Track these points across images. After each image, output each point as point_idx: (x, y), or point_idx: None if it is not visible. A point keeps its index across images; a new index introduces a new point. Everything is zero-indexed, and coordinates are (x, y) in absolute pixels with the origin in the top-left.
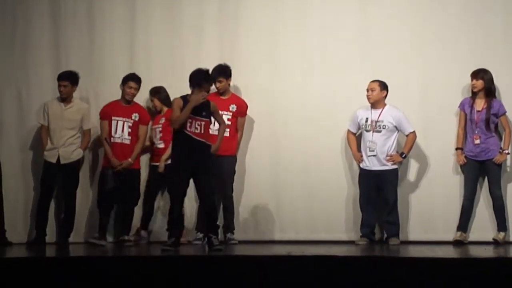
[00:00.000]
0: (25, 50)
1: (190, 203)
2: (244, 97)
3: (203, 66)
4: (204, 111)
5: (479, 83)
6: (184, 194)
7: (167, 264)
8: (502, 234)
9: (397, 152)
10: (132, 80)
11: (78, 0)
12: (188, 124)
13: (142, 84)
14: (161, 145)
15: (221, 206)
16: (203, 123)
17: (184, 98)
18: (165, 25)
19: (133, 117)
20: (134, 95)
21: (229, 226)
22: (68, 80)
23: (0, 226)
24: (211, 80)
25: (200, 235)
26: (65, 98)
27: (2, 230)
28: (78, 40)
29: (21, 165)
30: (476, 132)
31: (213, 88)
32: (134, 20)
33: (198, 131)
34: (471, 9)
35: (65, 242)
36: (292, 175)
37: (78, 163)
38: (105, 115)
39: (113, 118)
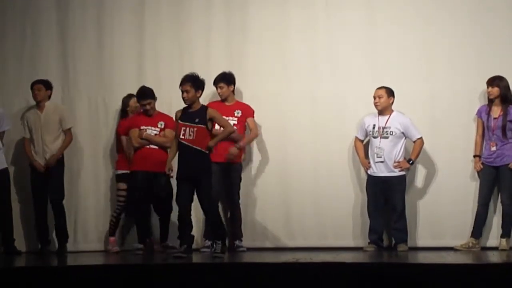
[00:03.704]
0: (33, 60)
1: (197, 211)
2: (252, 105)
3: (211, 75)
4: (197, 117)
5: (495, 90)
6: (190, 201)
7: (176, 271)
8: (504, 240)
9: (404, 158)
10: (143, 98)
11: (87, 10)
12: (182, 132)
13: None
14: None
15: (229, 213)
16: (195, 129)
17: (184, 109)
18: (173, 34)
19: (159, 125)
20: (154, 108)
21: (237, 234)
22: (42, 83)
23: (9, 235)
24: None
25: (208, 243)
26: (39, 102)
27: (11, 239)
28: (86, 50)
29: (29, 174)
30: (493, 139)
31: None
32: (142, 30)
33: (192, 137)
34: (478, 16)
35: (63, 250)
36: (300, 182)
37: (61, 169)
38: (135, 125)
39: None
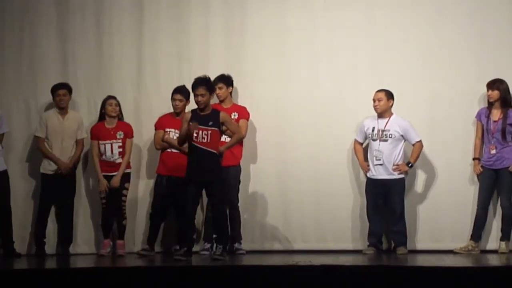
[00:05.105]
0: (32, 62)
1: (197, 214)
2: (251, 107)
3: (211, 76)
4: (211, 120)
5: (495, 94)
6: (196, 204)
7: (176, 274)
8: (503, 243)
9: (403, 161)
10: (178, 92)
11: (86, 12)
12: (195, 135)
13: (149, 95)
14: (119, 160)
15: (228, 216)
16: (210, 132)
17: (194, 112)
18: (172, 36)
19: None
20: (182, 108)
21: (236, 236)
22: (67, 88)
23: (8, 237)
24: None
25: (208, 245)
26: (63, 108)
27: (10, 241)
28: (85, 52)
29: (28, 176)
30: (493, 142)
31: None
32: (141, 32)
33: (206, 140)
34: (478, 18)
35: (66, 253)
36: (299, 185)
37: (74, 172)
38: (160, 126)
39: (166, 129)
